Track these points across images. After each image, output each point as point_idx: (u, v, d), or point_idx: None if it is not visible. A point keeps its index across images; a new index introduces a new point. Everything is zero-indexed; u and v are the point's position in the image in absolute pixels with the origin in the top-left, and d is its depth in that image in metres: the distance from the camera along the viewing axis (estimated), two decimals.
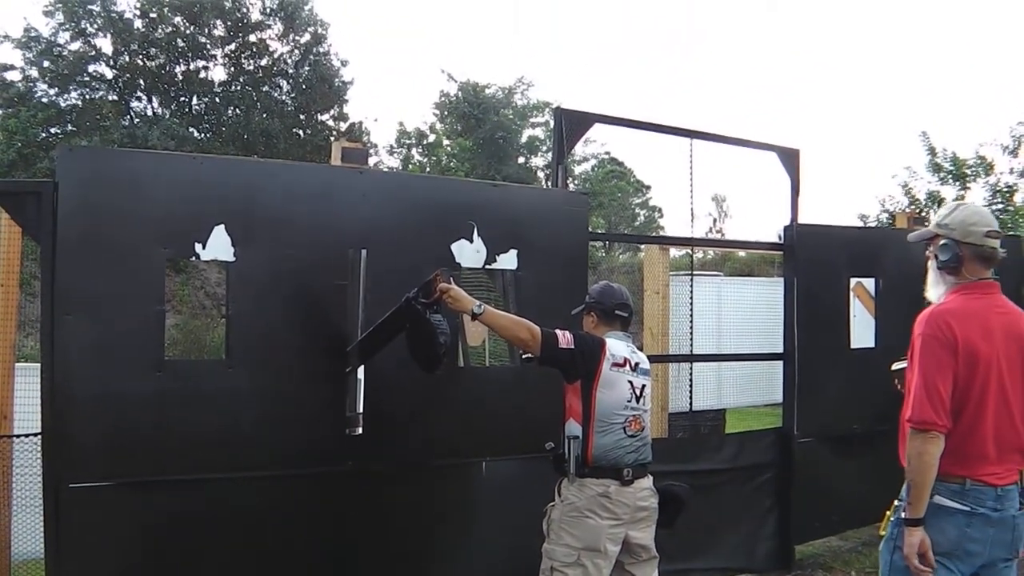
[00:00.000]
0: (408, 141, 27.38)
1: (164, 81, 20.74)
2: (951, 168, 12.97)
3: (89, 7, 19.39)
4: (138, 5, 19.82)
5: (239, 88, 21.61)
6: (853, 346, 5.70)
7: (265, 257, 3.68)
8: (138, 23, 19.96)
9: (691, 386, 5.61)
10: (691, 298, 5.55)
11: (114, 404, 3.38)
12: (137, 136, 18.60)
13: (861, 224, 13.51)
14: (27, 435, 3.72)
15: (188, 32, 20.47)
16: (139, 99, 20.98)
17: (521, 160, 26.73)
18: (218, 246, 3.59)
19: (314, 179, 3.94)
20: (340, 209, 3.87)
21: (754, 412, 10.61)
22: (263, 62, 21.93)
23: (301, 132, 22.53)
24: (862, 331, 5.87)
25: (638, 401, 3.43)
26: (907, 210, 12.37)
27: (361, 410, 3.75)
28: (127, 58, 20.19)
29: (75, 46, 19.76)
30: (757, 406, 10.55)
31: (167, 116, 20.49)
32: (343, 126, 23.06)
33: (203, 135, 21.05)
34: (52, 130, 19.32)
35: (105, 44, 20.02)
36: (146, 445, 3.44)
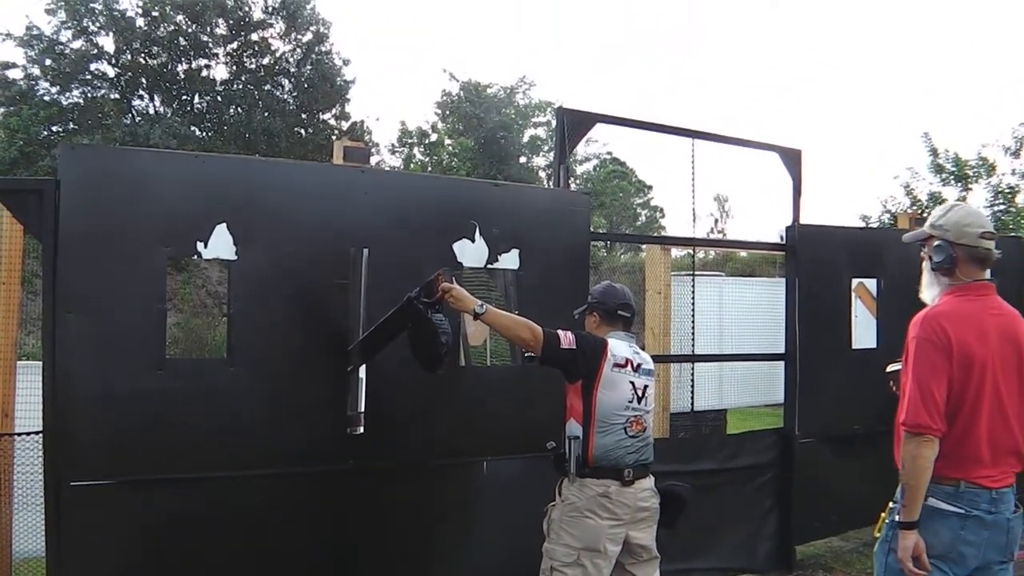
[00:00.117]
0: (410, 140, 27.41)
1: (166, 80, 20.75)
2: (953, 169, 12.98)
3: (91, 5, 19.42)
4: (140, 3, 19.85)
5: (241, 87, 21.62)
6: (854, 346, 5.69)
7: (267, 256, 3.68)
8: (140, 21, 19.98)
9: (692, 386, 5.61)
10: (693, 298, 5.55)
11: (115, 402, 3.38)
12: (139, 134, 18.62)
13: (863, 225, 13.52)
14: (28, 433, 3.72)
15: (190, 31, 20.48)
16: (141, 97, 21.02)
17: (523, 160, 26.75)
18: (220, 245, 3.59)
19: (316, 178, 3.94)
20: (342, 208, 3.87)
21: (755, 412, 10.61)
22: (265, 61, 21.95)
23: (303, 131, 22.54)
24: (863, 331, 5.87)
25: (640, 402, 3.43)
26: (909, 211, 12.39)
27: (362, 409, 3.75)
28: (129, 56, 20.21)
29: (77, 44, 19.80)
30: (758, 406, 10.56)
31: (169, 115, 20.51)
32: (345, 125, 23.07)
33: (205, 134, 21.07)
34: (54, 128, 19.33)
35: (107, 42, 20.09)
36: (147, 444, 3.44)
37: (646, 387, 3.47)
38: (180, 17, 20.25)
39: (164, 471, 3.46)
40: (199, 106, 21.58)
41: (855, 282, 5.92)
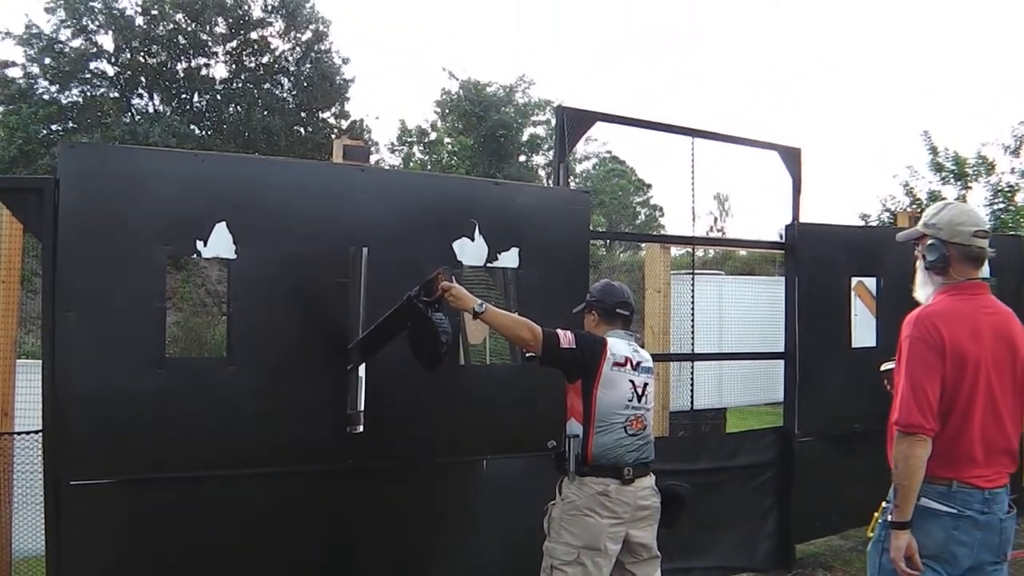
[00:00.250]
0: (409, 139, 27.35)
1: (165, 78, 20.74)
2: (953, 167, 12.98)
3: (90, 4, 19.41)
4: (139, 2, 19.83)
5: (240, 85, 21.60)
6: (854, 345, 5.69)
7: (266, 255, 3.68)
8: (139, 20, 19.97)
9: (692, 385, 5.61)
10: (692, 297, 5.54)
11: (115, 401, 3.38)
12: (138, 133, 18.61)
13: (862, 223, 13.52)
14: (28, 432, 3.72)
15: (189, 29, 20.46)
16: (140, 96, 21.01)
17: (522, 158, 26.69)
18: (219, 244, 3.59)
19: (315, 177, 3.94)
20: (341, 207, 3.87)
21: (755, 411, 10.62)
22: (264, 59, 21.94)
23: (302, 130, 22.54)
24: (863, 330, 5.87)
25: (640, 400, 3.43)
26: (908, 209, 12.37)
27: (362, 408, 3.75)
28: (128, 55, 20.19)
29: (76, 43, 19.79)
30: (758, 405, 10.57)
31: (168, 113, 20.50)
32: (344, 124, 23.05)
33: (204, 132, 21.05)
34: (53, 127, 19.31)
35: (106, 41, 20.08)
36: (147, 443, 3.44)
37: (646, 385, 3.47)
38: (179, 16, 20.24)
39: (163, 470, 3.46)
40: (198, 105, 21.57)
41: (855, 281, 5.93)
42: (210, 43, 21.06)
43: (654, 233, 28.07)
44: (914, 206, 12.92)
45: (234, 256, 3.63)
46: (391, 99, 55.17)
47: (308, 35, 22.22)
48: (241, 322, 3.71)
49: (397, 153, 27.46)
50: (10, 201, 3.47)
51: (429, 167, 25.47)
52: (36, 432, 3.53)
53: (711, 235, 34.91)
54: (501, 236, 4.23)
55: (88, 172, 3.42)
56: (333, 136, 19.45)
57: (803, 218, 5.63)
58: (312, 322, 3.78)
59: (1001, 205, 12.52)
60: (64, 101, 19.76)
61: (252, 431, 3.63)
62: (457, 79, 25.74)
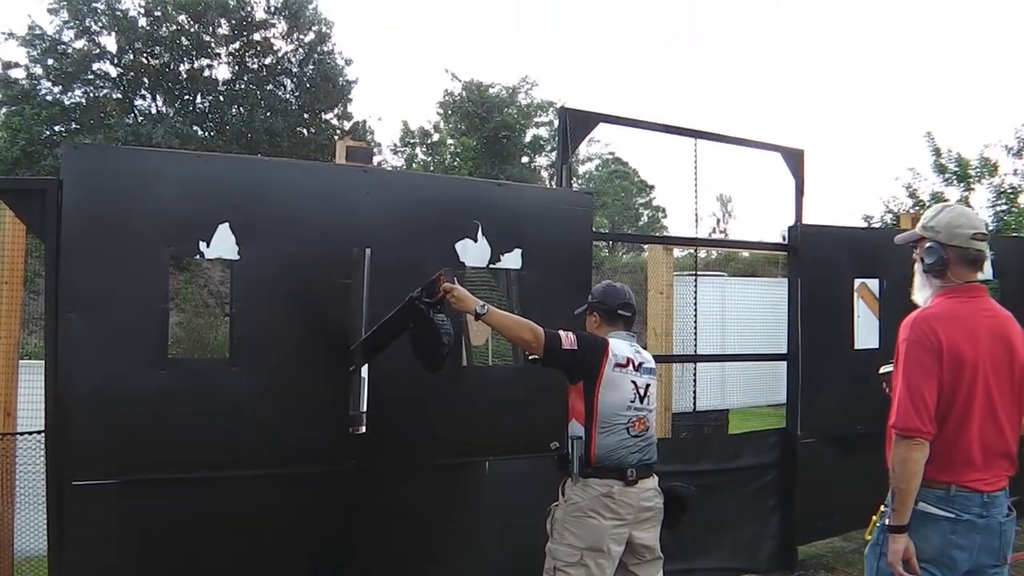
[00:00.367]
0: (412, 140, 27.36)
1: (168, 79, 20.76)
2: (955, 169, 12.96)
3: (94, 5, 19.44)
4: (142, 3, 19.86)
5: (243, 87, 21.63)
6: (857, 347, 5.68)
7: (269, 256, 3.68)
8: (142, 21, 19.99)
9: (695, 386, 5.60)
10: (695, 298, 5.54)
11: (117, 402, 3.38)
12: (141, 134, 18.63)
13: (865, 225, 13.51)
14: (30, 432, 3.73)
15: (192, 30, 20.49)
16: (143, 97, 21.04)
17: (525, 160, 26.68)
18: (222, 245, 3.59)
19: (318, 178, 3.94)
20: (344, 208, 3.87)
21: (758, 412, 10.61)
22: (267, 61, 21.96)
23: (305, 131, 22.56)
24: (866, 332, 5.85)
25: (642, 401, 3.42)
26: (911, 211, 12.36)
27: (364, 409, 3.75)
28: (131, 56, 20.22)
29: (79, 44, 19.83)
30: (761, 406, 10.56)
31: (171, 114, 20.53)
32: (347, 125, 23.05)
33: (207, 133, 21.07)
34: (56, 128, 19.34)
35: (109, 42, 20.11)
36: (149, 443, 3.43)
37: (648, 386, 3.46)
38: (182, 17, 20.26)
39: (166, 471, 3.46)
40: (201, 106, 21.59)
41: (857, 282, 5.91)
42: (213, 44, 21.09)
43: (657, 234, 28.03)
44: (917, 207, 12.89)
45: (237, 257, 3.63)
46: (394, 100, 55.33)
47: (311, 36, 22.24)
48: (244, 323, 3.71)
49: (400, 154, 27.50)
50: (13, 202, 3.47)
51: (432, 168, 25.47)
52: (38, 432, 3.53)
53: (714, 236, 34.89)
54: (503, 237, 4.23)
55: (91, 173, 3.42)
56: (336, 137, 19.44)
57: (806, 219, 5.62)
58: (314, 323, 3.78)
59: (1004, 207, 12.49)
60: (67, 102, 19.79)
61: (254, 432, 3.63)
62: (460, 80, 25.75)
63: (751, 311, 9.08)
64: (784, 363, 5.56)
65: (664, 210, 36.69)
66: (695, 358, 5.79)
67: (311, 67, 22.19)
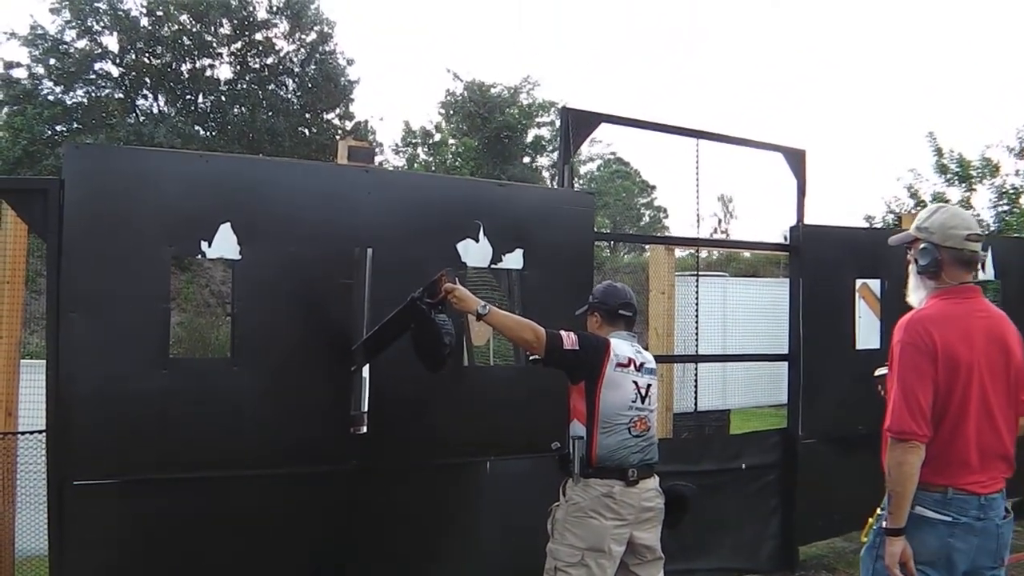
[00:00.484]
0: (414, 140, 27.34)
1: (170, 79, 20.76)
2: (957, 169, 12.95)
3: (95, 5, 19.45)
4: (144, 3, 19.86)
5: (245, 86, 21.63)
6: (858, 347, 5.68)
7: (271, 256, 3.68)
8: (144, 21, 19.99)
9: (696, 386, 5.60)
10: (696, 298, 5.54)
11: (119, 402, 3.38)
12: (143, 134, 18.64)
13: (867, 225, 13.50)
14: (32, 432, 3.73)
15: (194, 30, 20.49)
16: (145, 97, 21.03)
17: (527, 160, 26.66)
18: (224, 244, 3.59)
19: (320, 178, 3.94)
20: (346, 208, 3.87)
21: (759, 413, 10.60)
22: (269, 60, 21.95)
23: (307, 131, 22.54)
24: (867, 332, 5.85)
25: (643, 401, 3.42)
26: (913, 211, 12.35)
27: (366, 409, 3.75)
28: (133, 56, 20.22)
29: (81, 44, 19.83)
30: (762, 407, 10.55)
31: (173, 114, 20.54)
32: (349, 125, 23.05)
33: (209, 133, 21.07)
34: (58, 128, 19.34)
35: (111, 42, 20.10)
36: (151, 443, 3.44)
37: (649, 386, 3.47)
38: (184, 17, 20.25)
39: (167, 470, 3.46)
40: (203, 106, 21.58)
41: (859, 283, 5.91)
42: (215, 44, 21.08)
43: (658, 235, 28.02)
44: (918, 208, 12.89)
45: (238, 257, 3.63)
46: (395, 100, 55.34)
47: (313, 36, 22.23)
48: (245, 323, 3.71)
49: (401, 154, 27.48)
50: (15, 201, 3.48)
51: (433, 168, 25.44)
52: (40, 432, 3.54)
53: (715, 237, 34.88)
54: (505, 237, 4.23)
55: (93, 173, 3.42)
56: (337, 137, 19.48)
57: (807, 220, 5.62)
58: (316, 323, 3.78)
59: (1006, 207, 12.48)
60: (69, 102, 19.79)
61: (255, 432, 3.63)
62: (461, 80, 25.74)
63: (752, 311, 9.05)
64: (785, 363, 5.55)
65: (666, 210, 36.74)
66: (696, 358, 5.79)
67: (313, 67, 22.19)
